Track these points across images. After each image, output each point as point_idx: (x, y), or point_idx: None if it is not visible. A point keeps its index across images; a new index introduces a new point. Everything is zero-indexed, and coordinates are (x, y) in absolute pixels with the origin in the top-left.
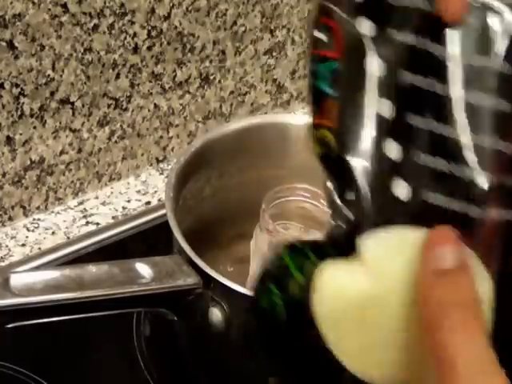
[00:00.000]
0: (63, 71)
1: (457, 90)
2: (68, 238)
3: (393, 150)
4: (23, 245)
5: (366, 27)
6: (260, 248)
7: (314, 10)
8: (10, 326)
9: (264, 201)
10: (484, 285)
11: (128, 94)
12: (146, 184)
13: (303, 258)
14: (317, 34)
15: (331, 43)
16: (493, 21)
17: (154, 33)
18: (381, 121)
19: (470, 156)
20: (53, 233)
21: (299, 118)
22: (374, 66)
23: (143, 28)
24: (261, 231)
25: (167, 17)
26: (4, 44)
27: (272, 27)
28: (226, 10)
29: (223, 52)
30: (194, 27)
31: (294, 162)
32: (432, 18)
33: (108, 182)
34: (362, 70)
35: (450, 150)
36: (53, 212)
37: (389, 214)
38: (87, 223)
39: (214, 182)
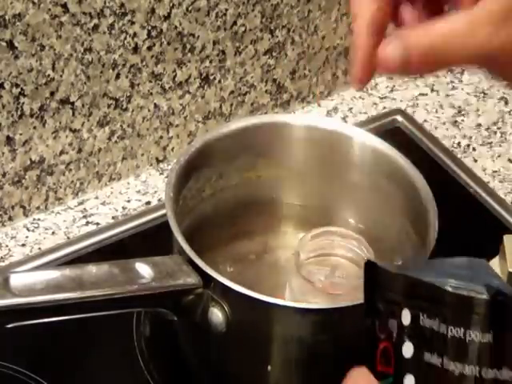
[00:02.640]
0: (63, 71)
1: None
2: (68, 238)
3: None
4: (23, 245)
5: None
6: (296, 292)
7: None
8: (9, 325)
9: (299, 246)
10: None
11: (128, 94)
12: (146, 184)
13: None
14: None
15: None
16: None
17: (154, 33)
18: None
19: None
20: (53, 233)
21: (299, 117)
22: None
23: (143, 28)
24: (298, 277)
25: (167, 17)
26: (4, 44)
27: (272, 27)
28: (226, 9)
29: (223, 52)
30: (194, 27)
31: (294, 162)
32: None
33: (108, 182)
34: None
35: None
36: (53, 212)
37: None
38: (87, 223)
39: (214, 182)
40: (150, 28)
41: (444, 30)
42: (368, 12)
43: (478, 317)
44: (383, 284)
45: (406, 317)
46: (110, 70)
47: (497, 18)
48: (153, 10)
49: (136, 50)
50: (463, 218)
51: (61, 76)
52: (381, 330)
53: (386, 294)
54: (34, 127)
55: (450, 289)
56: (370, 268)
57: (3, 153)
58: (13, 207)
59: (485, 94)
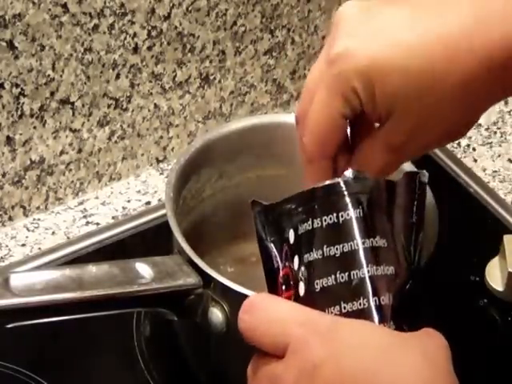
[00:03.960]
0: (63, 71)
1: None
2: (68, 238)
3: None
4: (23, 245)
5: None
6: None
7: None
8: (9, 325)
9: None
10: None
11: (128, 94)
12: (146, 184)
13: None
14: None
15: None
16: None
17: (154, 33)
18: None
19: None
20: (53, 233)
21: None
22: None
23: (143, 28)
24: None
25: (167, 17)
26: (4, 44)
27: (272, 27)
28: (226, 9)
29: (223, 52)
30: (194, 27)
31: (294, 162)
32: None
33: (108, 182)
34: None
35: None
36: (53, 212)
37: None
38: (87, 223)
39: (214, 182)
40: (150, 28)
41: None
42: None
43: (347, 198)
44: (268, 215)
45: (291, 235)
46: (110, 70)
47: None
48: (153, 10)
49: (136, 50)
50: (463, 218)
51: (61, 76)
52: (279, 259)
53: (273, 225)
54: (34, 127)
55: (315, 185)
56: (253, 206)
57: (3, 153)
58: (13, 207)
59: None
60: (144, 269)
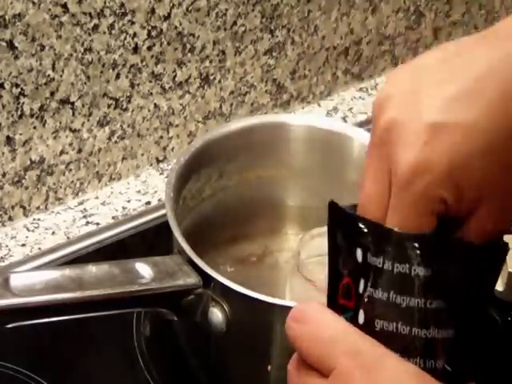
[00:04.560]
0: (63, 71)
1: None
2: (68, 238)
3: None
4: (23, 245)
5: None
6: (296, 292)
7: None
8: (9, 325)
9: (300, 245)
10: None
11: (128, 94)
12: (146, 184)
13: None
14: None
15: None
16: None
17: (154, 33)
18: None
19: None
20: (53, 233)
21: (299, 118)
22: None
23: (143, 28)
24: (298, 276)
25: (167, 17)
26: (4, 44)
27: (272, 27)
28: (226, 9)
29: (223, 52)
30: (194, 27)
31: (294, 162)
32: None
33: (108, 182)
34: None
35: None
36: (53, 212)
37: None
38: (87, 223)
39: (214, 182)
40: (150, 28)
41: None
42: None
43: (422, 254)
44: (344, 224)
45: (359, 255)
46: (110, 70)
47: None
48: (153, 10)
49: (136, 50)
50: None
51: (61, 76)
52: (343, 266)
53: (346, 232)
54: (34, 127)
55: (395, 229)
56: (332, 208)
57: (3, 153)
58: (13, 207)
59: None
60: (144, 269)
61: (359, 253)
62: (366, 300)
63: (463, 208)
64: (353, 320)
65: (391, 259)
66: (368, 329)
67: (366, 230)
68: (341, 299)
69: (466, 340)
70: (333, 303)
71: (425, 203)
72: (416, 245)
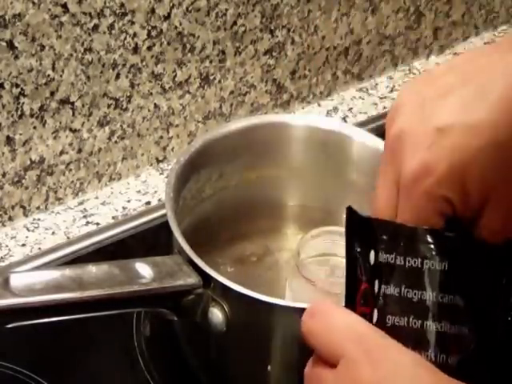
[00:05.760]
0: (63, 71)
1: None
2: (68, 238)
3: None
4: (23, 245)
5: None
6: (296, 292)
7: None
8: (9, 325)
9: (300, 245)
10: None
11: (128, 94)
12: (146, 184)
13: None
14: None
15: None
16: None
17: (154, 33)
18: None
19: None
20: (53, 233)
21: (299, 118)
22: None
23: (143, 28)
24: (298, 276)
25: (167, 17)
26: (4, 44)
27: (272, 27)
28: (226, 9)
29: (223, 52)
30: (194, 27)
31: (294, 162)
32: None
33: (108, 182)
34: None
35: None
36: (53, 212)
37: None
38: (87, 223)
39: (214, 182)
40: (150, 28)
41: None
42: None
43: (436, 248)
44: (360, 229)
45: (372, 257)
46: (110, 70)
47: None
48: (153, 10)
49: (136, 50)
50: None
51: (61, 76)
52: (361, 272)
53: (362, 237)
54: (34, 127)
55: (411, 224)
56: (350, 214)
57: (3, 153)
58: (13, 207)
59: None
60: (144, 269)
61: (372, 254)
62: (379, 299)
63: (470, 208)
64: (369, 321)
65: (403, 254)
66: (380, 326)
67: (378, 229)
68: (360, 307)
69: (483, 342)
70: (352, 310)
71: (429, 204)
72: (429, 238)
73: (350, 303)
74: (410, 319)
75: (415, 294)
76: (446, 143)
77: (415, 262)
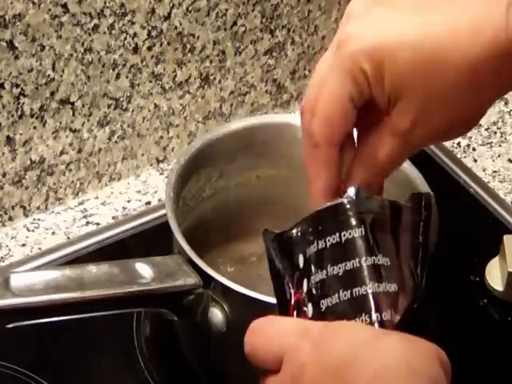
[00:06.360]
0: (63, 71)
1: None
2: (68, 238)
3: None
4: (23, 245)
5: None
6: None
7: None
8: (9, 326)
9: None
10: None
11: (128, 94)
12: (146, 184)
13: None
14: None
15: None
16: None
17: (154, 33)
18: None
19: None
20: (53, 233)
21: (299, 118)
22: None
23: (143, 28)
24: None
25: (167, 17)
26: (4, 44)
27: (272, 27)
28: (226, 9)
29: (223, 52)
30: (194, 27)
31: (294, 162)
32: None
33: (108, 182)
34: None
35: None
36: (53, 212)
37: None
38: (87, 223)
39: (214, 182)
40: (150, 28)
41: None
42: (322, 181)
43: (349, 217)
44: (278, 245)
45: (301, 260)
46: (110, 70)
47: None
48: (153, 10)
49: (136, 50)
50: (463, 218)
51: (61, 76)
52: (290, 285)
53: (283, 252)
54: (34, 127)
55: (319, 207)
56: (265, 236)
57: (3, 153)
58: (13, 207)
59: None
60: (144, 269)
61: (301, 258)
62: (310, 292)
63: (383, 98)
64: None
65: (322, 236)
66: (316, 316)
67: (298, 231)
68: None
69: (415, 295)
70: None
71: (347, 66)
72: (345, 210)
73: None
74: (341, 294)
75: (340, 268)
76: (387, 24)
77: (334, 238)
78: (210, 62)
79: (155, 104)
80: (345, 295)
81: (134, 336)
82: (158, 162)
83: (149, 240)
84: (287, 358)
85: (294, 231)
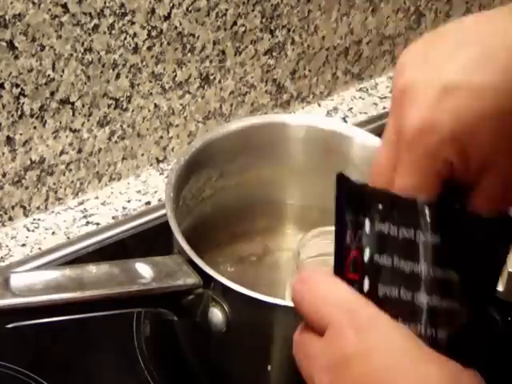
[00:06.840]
0: (63, 71)
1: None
2: (68, 238)
3: None
4: (23, 245)
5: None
6: None
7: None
8: (9, 326)
9: (300, 245)
10: None
11: (128, 94)
12: (146, 184)
13: None
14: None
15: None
16: None
17: (154, 33)
18: None
19: None
20: (53, 233)
21: (299, 117)
22: None
23: (143, 28)
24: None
25: (167, 17)
26: (4, 44)
27: (272, 27)
28: (226, 9)
29: (223, 52)
30: (194, 27)
31: (294, 162)
32: None
33: (108, 182)
34: None
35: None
36: (53, 212)
37: None
38: (87, 223)
39: (214, 182)
40: (150, 28)
41: None
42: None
43: (430, 220)
44: (351, 196)
45: (367, 225)
46: (110, 70)
47: None
48: (153, 10)
49: (136, 50)
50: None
51: (61, 76)
52: (351, 239)
53: (354, 204)
54: (34, 127)
55: (407, 195)
56: (340, 181)
57: (3, 153)
58: (13, 207)
59: None
60: (144, 269)
61: (367, 223)
62: (371, 267)
63: (470, 173)
64: (359, 290)
65: (397, 224)
66: (371, 296)
67: (372, 198)
68: (349, 274)
69: (474, 319)
70: (340, 277)
71: (429, 163)
72: (424, 210)
73: (339, 270)
74: (401, 290)
75: (407, 266)
76: (454, 101)
77: (409, 233)
78: (210, 61)
79: (155, 104)
80: (405, 296)
81: (134, 336)
82: (158, 162)
83: (149, 240)
84: (331, 334)
85: (370, 194)
